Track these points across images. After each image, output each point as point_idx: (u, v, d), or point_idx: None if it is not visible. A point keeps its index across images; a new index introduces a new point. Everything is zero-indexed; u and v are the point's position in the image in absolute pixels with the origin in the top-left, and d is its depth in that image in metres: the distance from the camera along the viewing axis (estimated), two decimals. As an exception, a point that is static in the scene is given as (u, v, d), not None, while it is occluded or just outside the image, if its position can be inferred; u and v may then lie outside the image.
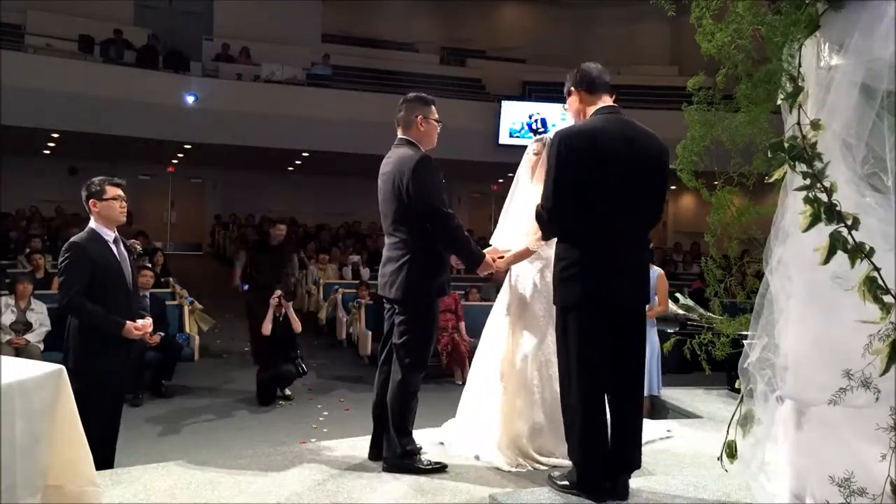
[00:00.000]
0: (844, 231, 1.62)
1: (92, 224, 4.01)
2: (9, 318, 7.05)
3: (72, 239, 4.00)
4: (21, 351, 6.66)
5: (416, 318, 3.67)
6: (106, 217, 4.00)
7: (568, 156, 3.08)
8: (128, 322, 3.93)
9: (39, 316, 7.23)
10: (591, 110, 3.27)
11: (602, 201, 3.06)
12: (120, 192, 4.03)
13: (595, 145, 3.07)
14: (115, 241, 4.02)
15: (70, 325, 3.97)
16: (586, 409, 3.12)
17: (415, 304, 3.68)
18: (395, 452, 3.68)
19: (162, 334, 7.50)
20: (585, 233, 3.12)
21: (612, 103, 3.28)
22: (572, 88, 3.37)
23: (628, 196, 3.09)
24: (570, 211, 3.10)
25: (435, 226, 3.59)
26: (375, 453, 3.80)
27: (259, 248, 8.64)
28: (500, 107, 16.65)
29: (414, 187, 3.58)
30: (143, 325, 4.00)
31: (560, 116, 15.40)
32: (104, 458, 3.71)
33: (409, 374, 3.67)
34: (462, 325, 8.83)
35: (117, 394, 4.08)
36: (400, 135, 3.82)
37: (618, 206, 3.08)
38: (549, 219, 3.17)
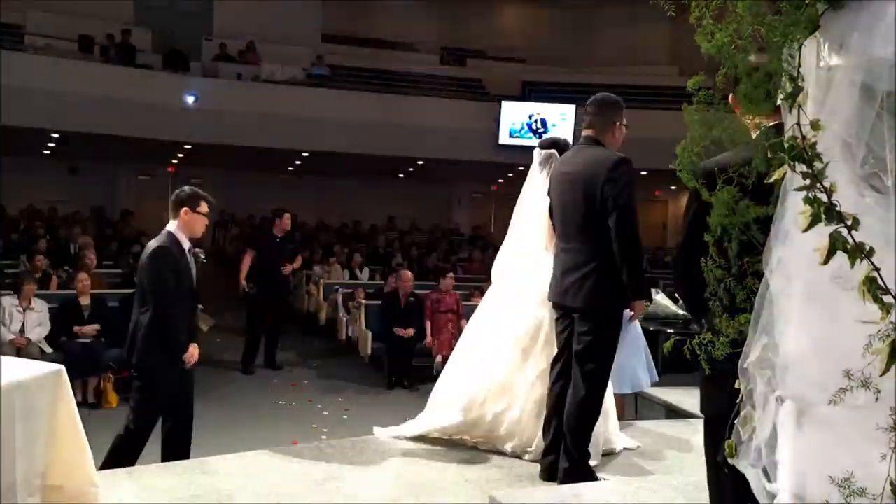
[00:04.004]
0: (844, 231, 1.62)
1: (172, 229, 4.18)
2: (13, 317, 7.06)
3: (158, 245, 4.15)
4: (21, 351, 6.66)
5: (603, 327, 3.52)
6: (191, 228, 4.24)
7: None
8: (190, 348, 4.24)
9: (40, 315, 7.23)
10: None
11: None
12: (208, 210, 4.28)
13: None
14: (189, 249, 4.24)
15: (139, 325, 4.12)
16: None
17: (604, 313, 3.53)
18: (575, 461, 3.51)
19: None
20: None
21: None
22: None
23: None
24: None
25: (621, 234, 3.39)
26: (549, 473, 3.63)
27: (263, 241, 8.65)
28: (500, 107, 16.63)
29: (612, 189, 3.39)
30: (193, 355, 4.28)
31: (560, 116, 15.41)
32: (179, 452, 4.14)
33: (593, 387, 3.49)
34: (464, 322, 8.82)
35: (177, 394, 4.30)
36: (590, 134, 3.66)
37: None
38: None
